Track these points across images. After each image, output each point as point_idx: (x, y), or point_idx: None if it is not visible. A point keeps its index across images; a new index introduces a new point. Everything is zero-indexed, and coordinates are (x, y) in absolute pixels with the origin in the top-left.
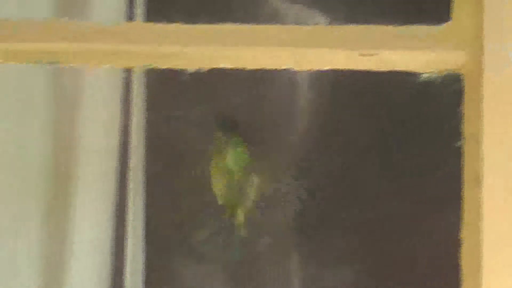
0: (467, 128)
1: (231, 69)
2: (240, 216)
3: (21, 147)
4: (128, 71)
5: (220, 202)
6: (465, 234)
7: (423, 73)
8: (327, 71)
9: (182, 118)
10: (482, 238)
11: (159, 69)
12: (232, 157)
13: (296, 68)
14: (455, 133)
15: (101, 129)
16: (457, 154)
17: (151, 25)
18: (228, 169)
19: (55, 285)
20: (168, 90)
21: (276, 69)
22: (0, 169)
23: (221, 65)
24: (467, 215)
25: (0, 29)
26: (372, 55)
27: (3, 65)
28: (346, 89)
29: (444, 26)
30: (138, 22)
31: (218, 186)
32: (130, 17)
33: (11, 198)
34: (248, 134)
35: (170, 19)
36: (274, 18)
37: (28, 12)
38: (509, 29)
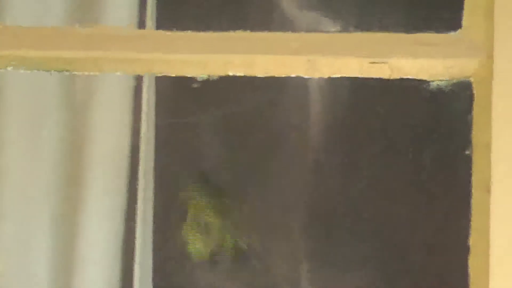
0: (476, 136)
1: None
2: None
3: (33, 149)
4: (138, 78)
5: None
6: (474, 239)
7: (433, 81)
8: (336, 80)
9: (192, 124)
10: (490, 244)
11: (170, 76)
12: (208, 210)
13: (307, 76)
14: (465, 140)
15: (112, 134)
16: (467, 161)
17: (161, 32)
18: (203, 223)
19: (65, 280)
20: (178, 96)
21: (287, 76)
22: (13, 169)
23: (232, 73)
24: (475, 221)
25: (12, 36)
26: (382, 62)
27: (16, 71)
28: (356, 97)
29: (454, 34)
30: (149, 30)
31: (194, 241)
32: (141, 23)
33: (24, 197)
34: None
35: (180, 25)
36: (285, 25)
37: (40, 17)
38: None
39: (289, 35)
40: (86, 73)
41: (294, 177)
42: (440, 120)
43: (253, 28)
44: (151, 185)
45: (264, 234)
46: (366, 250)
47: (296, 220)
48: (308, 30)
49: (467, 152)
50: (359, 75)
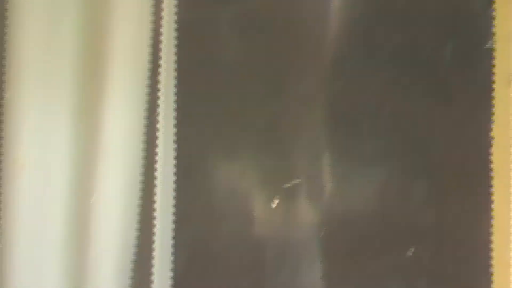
0: (497, 28)
1: None
2: None
3: (55, 43)
4: None
5: None
6: (496, 132)
7: None
8: None
9: (213, 18)
10: None
11: None
12: None
13: None
14: (486, 34)
15: (132, 28)
16: (488, 55)
17: None
18: None
19: (86, 192)
20: None
21: None
22: (33, 65)
23: None
24: (497, 114)
25: None
26: None
27: None
28: None
29: None
30: None
31: None
32: None
33: (45, 91)
34: None
35: None
36: None
37: None
38: None
39: None
40: None
41: (314, 72)
42: (461, 14)
43: None
44: (172, 77)
45: (284, 125)
46: (387, 145)
47: (316, 114)
48: None
49: (488, 45)
50: None
